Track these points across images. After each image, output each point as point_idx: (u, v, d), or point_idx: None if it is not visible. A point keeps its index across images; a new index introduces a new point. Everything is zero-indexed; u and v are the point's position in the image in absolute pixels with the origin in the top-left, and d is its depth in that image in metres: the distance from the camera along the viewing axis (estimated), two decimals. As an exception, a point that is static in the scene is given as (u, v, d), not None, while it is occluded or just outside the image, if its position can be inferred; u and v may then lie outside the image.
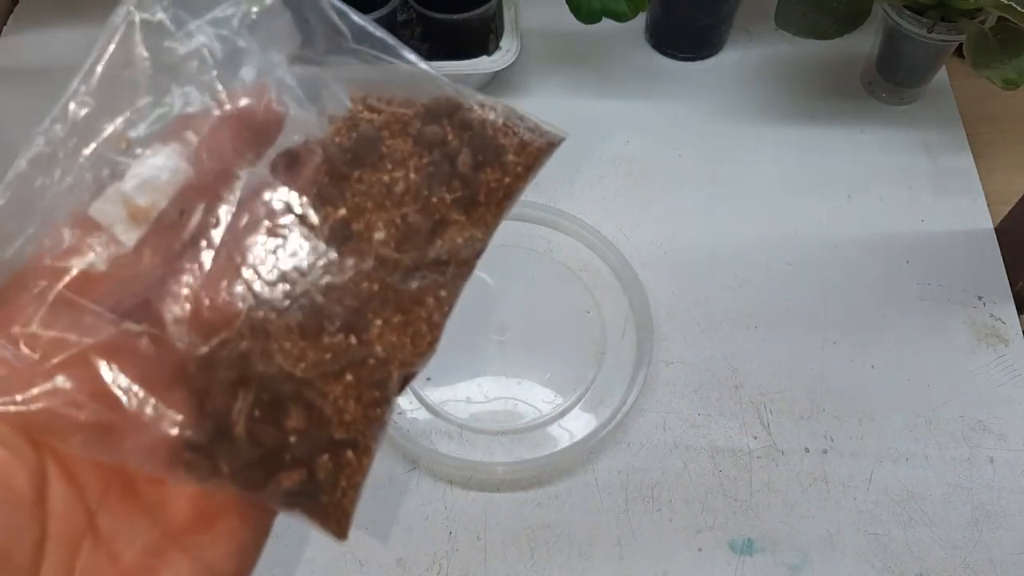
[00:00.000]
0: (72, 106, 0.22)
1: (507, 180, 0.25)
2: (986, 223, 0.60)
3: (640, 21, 0.69)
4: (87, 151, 0.22)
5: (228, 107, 0.22)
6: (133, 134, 0.22)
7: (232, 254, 0.22)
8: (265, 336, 0.22)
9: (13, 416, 0.20)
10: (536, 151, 0.26)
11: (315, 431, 0.22)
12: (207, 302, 0.22)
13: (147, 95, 0.22)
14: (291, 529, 0.47)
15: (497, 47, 0.63)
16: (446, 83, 0.25)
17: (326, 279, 0.22)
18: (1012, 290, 0.56)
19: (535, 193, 0.61)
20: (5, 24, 0.71)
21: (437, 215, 0.24)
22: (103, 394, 0.21)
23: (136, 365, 0.21)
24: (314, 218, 0.23)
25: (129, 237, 0.21)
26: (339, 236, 0.23)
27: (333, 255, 0.23)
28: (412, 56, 0.24)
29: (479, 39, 0.66)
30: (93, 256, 0.21)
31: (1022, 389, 0.53)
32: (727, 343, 0.54)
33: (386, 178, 0.24)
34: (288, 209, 0.23)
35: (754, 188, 0.61)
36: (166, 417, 0.21)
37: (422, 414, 0.51)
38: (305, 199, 0.23)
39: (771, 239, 0.59)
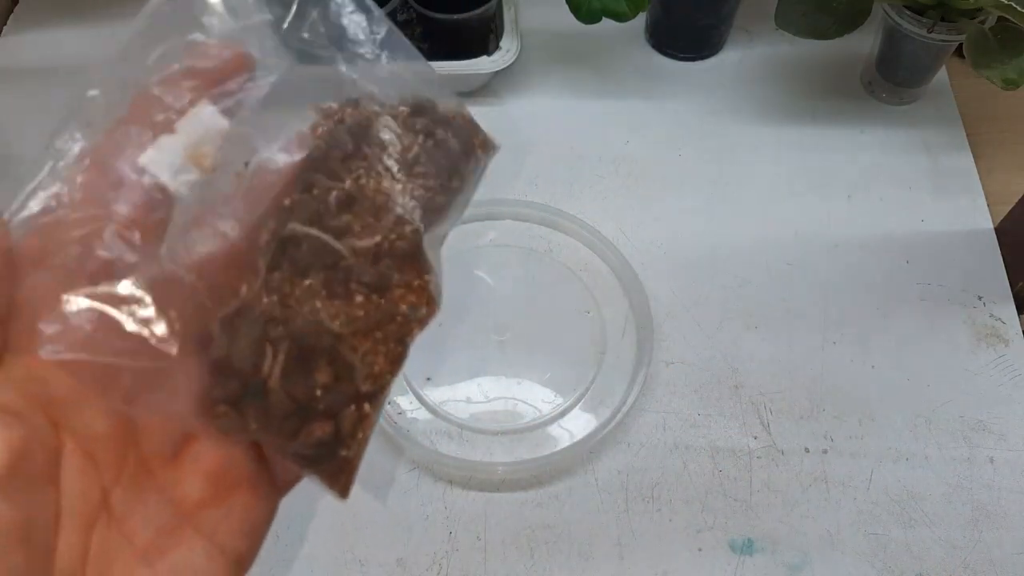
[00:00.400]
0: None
1: (476, 172, 0.27)
2: (986, 223, 0.60)
3: (640, 21, 0.69)
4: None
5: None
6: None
7: (260, 214, 0.23)
8: (302, 294, 0.23)
9: (69, 363, 0.21)
10: (489, 150, 0.28)
11: (345, 385, 0.23)
12: (238, 256, 0.22)
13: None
14: (291, 528, 0.47)
15: (497, 47, 0.63)
16: (431, 84, 0.26)
17: (354, 242, 0.23)
18: (1012, 290, 0.56)
19: (535, 193, 0.61)
20: (5, 24, 0.71)
21: (442, 190, 0.25)
22: (148, 339, 0.21)
23: (181, 311, 0.22)
24: (338, 183, 0.24)
25: (179, 185, 0.22)
26: (357, 204, 0.24)
27: (359, 220, 0.24)
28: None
29: (479, 39, 0.66)
30: (143, 201, 0.22)
31: (1022, 389, 0.53)
32: (727, 343, 0.54)
33: (394, 154, 0.25)
34: (317, 174, 0.24)
35: (754, 188, 0.62)
36: (203, 368, 0.22)
37: (422, 414, 0.51)
38: (325, 167, 0.24)
39: (771, 239, 0.59)
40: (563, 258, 0.57)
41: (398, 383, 0.51)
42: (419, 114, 0.26)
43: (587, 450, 0.49)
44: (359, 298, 0.23)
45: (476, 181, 0.28)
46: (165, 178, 0.22)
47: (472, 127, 0.27)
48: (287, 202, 0.24)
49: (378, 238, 0.24)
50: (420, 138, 0.25)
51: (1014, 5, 0.50)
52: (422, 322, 0.24)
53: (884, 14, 0.61)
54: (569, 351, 0.53)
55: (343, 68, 0.25)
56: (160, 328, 0.21)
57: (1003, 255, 0.58)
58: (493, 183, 0.61)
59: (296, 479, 0.25)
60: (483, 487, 0.49)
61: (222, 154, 0.23)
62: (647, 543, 0.47)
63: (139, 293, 0.21)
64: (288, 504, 0.25)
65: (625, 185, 0.62)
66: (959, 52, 0.61)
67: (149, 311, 0.21)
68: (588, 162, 0.63)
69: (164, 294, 0.21)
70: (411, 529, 0.48)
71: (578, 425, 0.50)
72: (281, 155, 0.24)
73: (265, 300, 0.23)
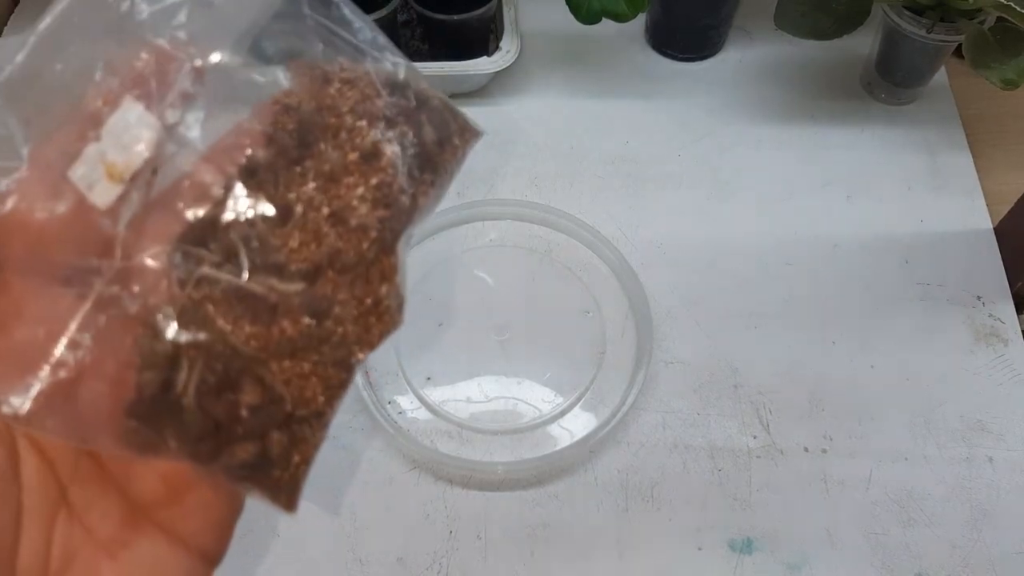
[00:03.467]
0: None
1: (452, 163, 0.25)
2: (985, 223, 0.60)
3: (640, 22, 0.69)
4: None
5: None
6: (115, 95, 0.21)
7: (173, 222, 0.21)
8: (213, 310, 0.21)
9: None
10: (470, 138, 0.25)
11: (269, 407, 0.22)
12: (150, 265, 0.21)
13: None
14: (292, 528, 0.47)
15: (497, 47, 0.63)
16: (392, 60, 0.24)
17: (277, 257, 0.22)
18: (1011, 290, 0.57)
19: (535, 193, 0.61)
20: (5, 25, 0.71)
21: (410, 188, 0.23)
22: (67, 352, 0.21)
23: (103, 330, 0.21)
24: (271, 192, 0.22)
25: (104, 199, 0.21)
26: (295, 219, 0.22)
27: (296, 238, 0.22)
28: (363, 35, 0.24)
29: (479, 39, 0.66)
30: (64, 213, 0.21)
31: (1021, 389, 0.53)
32: (727, 343, 0.54)
33: (358, 144, 0.23)
34: (236, 180, 0.22)
35: (754, 188, 0.62)
36: (119, 383, 0.21)
37: (422, 414, 0.51)
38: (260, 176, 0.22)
39: (770, 239, 0.59)
40: (563, 258, 0.57)
41: (398, 383, 0.52)
42: (392, 91, 0.24)
43: (587, 450, 0.49)
44: (284, 322, 0.22)
45: (452, 173, 0.25)
46: (91, 194, 0.21)
47: (450, 111, 0.25)
48: (194, 217, 0.21)
49: (319, 258, 0.22)
50: (389, 122, 0.23)
51: (1013, 5, 0.50)
52: (372, 343, 0.23)
53: (883, 14, 0.61)
54: (569, 351, 0.53)
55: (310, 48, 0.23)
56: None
57: (1002, 255, 0.58)
58: (493, 183, 0.61)
59: None
60: (483, 486, 0.49)
61: (143, 161, 0.21)
62: (646, 542, 0.48)
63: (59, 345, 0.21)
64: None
65: (625, 185, 0.62)
66: (958, 52, 0.61)
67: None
68: (588, 162, 0.63)
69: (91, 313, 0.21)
70: (411, 528, 0.48)
71: (578, 425, 0.50)
72: (202, 160, 0.22)
73: (187, 315, 0.21)
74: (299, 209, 0.22)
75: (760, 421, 0.51)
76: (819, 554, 0.47)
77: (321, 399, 0.22)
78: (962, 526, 0.48)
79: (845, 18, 0.59)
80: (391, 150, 0.23)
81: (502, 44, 0.63)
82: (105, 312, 0.21)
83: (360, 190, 0.22)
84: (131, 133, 0.21)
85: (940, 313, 0.56)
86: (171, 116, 0.22)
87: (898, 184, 0.62)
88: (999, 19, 0.55)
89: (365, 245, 0.22)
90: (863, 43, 0.65)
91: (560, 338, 0.54)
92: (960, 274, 0.57)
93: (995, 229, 0.59)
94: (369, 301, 0.22)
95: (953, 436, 0.51)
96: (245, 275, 0.21)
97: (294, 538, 0.47)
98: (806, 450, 0.50)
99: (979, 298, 0.56)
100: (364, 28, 0.24)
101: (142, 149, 0.21)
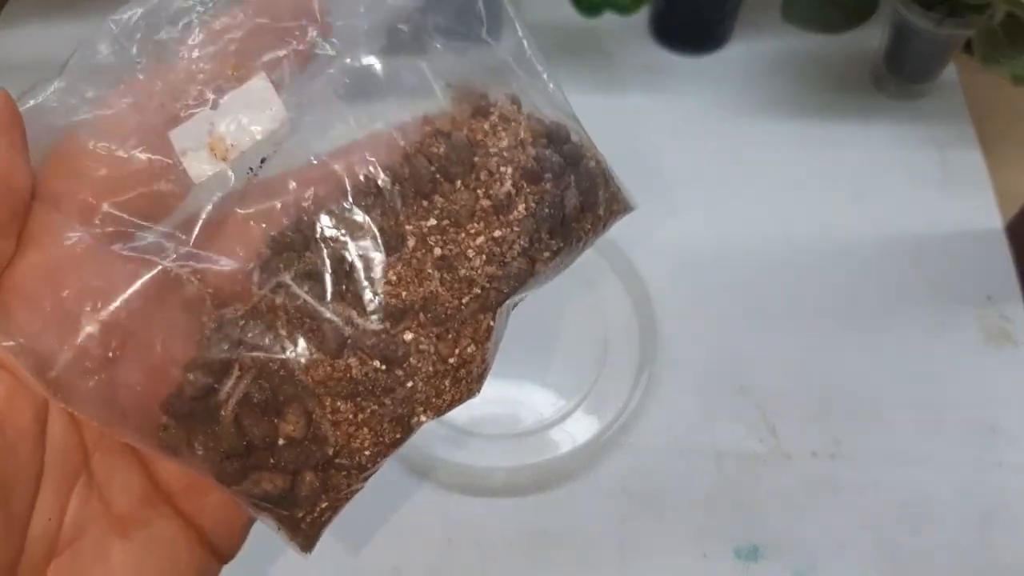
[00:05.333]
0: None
1: (590, 234, 0.22)
2: (996, 221, 0.59)
3: (643, 14, 0.68)
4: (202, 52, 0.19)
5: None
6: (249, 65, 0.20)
7: (267, 218, 0.20)
8: (282, 324, 0.19)
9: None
10: (618, 210, 0.23)
11: (309, 444, 0.20)
12: (230, 256, 0.20)
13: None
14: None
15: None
16: (562, 103, 0.22)
17: (368, 288, 0.20)
18: (1022, 290, 0.56)
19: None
20: (-3, 17, 0.70)
21: (531, 251, 0.21)
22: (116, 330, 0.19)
23: (158, 309, 0.20)
24: (390, 223, 0.20)
25: (197, 171, 0.19)
26: (404, 253, 0.20)
27: (399, 273, 0.20)
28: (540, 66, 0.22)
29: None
30: (151, 179, 0.19)
31: (1033, 391, 0.52)
32: (732, 344, 0.53)
33: (494, 192, 0.21)
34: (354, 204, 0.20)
35: (760, 184, 0.61)
36: (160, 372, 0.19)
37: (421, 417, 0.50)
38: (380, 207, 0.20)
39: (777, 237, 0.58)
40: (564, 257, 0.56)
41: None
42: (548, 143, 0.21)
43: (589, 454, 0.49)
44: (352, 359, 0.20)
45: (586, 244, 0.23)
46: (184, 161, 0.19)
47: (604, 176, 0.23)
48: (292, 219, 0.19)
49: (413, 300, 0.20)
50: (532, 176, 0.21)
51: (1022, 0, 0.49)
52: (439, 408, 0.20)
53: (892, 8, 0.60)
54: (571, 353, 0.52)
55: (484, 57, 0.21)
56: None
57: (1013, 254, 0.57)
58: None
59: None
60: (482, 492, 0.48)
61: (254, 145, 0.19)
62: (650, 549, 0.47)
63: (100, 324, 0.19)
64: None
65: (627, 182, 0.61)
66: (968, 48, 0.60)
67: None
68: (590, 159, 0.62)
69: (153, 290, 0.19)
70: (408, 535, 0.47)
71: (580, 428, 0.50)
72: (320, 162, 0.20)
73: (243, 313, 0.20)
74: (411, 243, 0.20)
75: (766, 424, 0.50)
76: (827, 561, 0.46)
77: (367, 453, 0.20)
78: (972, 530, 0.47)
79: (853, 12, 0.58)
80: (525, 207, 0.21)
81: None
82: (165, 290, 0.19)
83: (480, 240, 0.20)
84: (251, 113, 0.19)
85: (949, 313, 0.55)
86: (298, 105, 0.20)
87: (907, 181, 0.61)
88: (1009, 14, 0.54)
89: (465, 300, 0.20)
90: (871, 37, 0.64)
91: (561, 340, 0.53)
92: (970, 273, 0.56)
93: (1006, 227, 0.58)
94: (452, 361, 0.21)
95: (963, 439, 0.50)
96: (327, 297, 0.19)
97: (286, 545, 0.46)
98: (814, 454, 0.50)
99: (989, 298, 0.55)
100: (545, 74, 0.22)
101: (257, 133, 0.19)
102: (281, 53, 0.20)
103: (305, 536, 0.21)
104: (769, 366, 0.53)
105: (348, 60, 0.20)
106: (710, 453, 0.49)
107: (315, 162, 0.20)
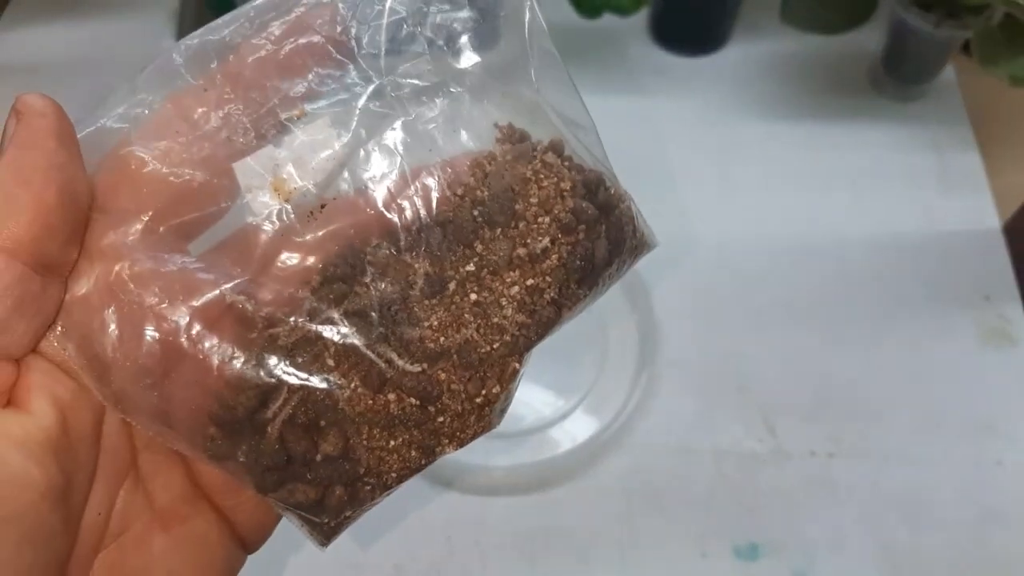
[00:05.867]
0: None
1: (614, 279, 0.24)
2: (994, 222, 0.59)
3: (643, 16, 0.68)
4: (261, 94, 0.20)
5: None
6: (309, 106, 0.21)
7: (321, 252, 0.21)
8: (329, 355, 0.21)
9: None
10: (641, 251, 0.24)
11: (343, 463, 0.21)
12: (274, 295, 0.21)
13: (336, 70, 0.21)
14: (287, 533, 0.46)
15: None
16: (598, 164, 0.22)
17: (411, 331, 0.21)
18: (1020, 290, 0.56)
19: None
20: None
21: (560, 300, 0.22)
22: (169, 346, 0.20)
23: (217, 326, 0.21)
24: (427, 267, 0.21)
25: (258, 208, 0.20)
26: (444, 299, 0.21)
27: (439, 317, 0.21)
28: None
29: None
30: (209, 202, 0.20)
31: (1031, 391, 0.52)
32: (731, 344, 0.53)
33: (530, 240, 0.21)
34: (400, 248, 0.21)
35: (758, 185, 0.61)
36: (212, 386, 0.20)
37: (421, 416, 0.50)
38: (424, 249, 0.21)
39: (775, 237, 0.58)
40: (564, 257, 0.57)
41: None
42: (585, 193, 0.22)
43: (589, 453, 0.49)
44: (391, 395, 0.21)
45: (609, 286, 0.24)
46: (247, 196, 0.20)
47: (632, 222, 0.24)
48: (344, 257, 0.20)
49: (450, 344, 0.21)
50: (567, 229, 0.21)
51: (1020, 1, 0.49)
52: (462, 440, 0.22)
53: (890, 10, 0.60)
54: (570, 353, 0.52)
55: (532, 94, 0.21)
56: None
57: (1011, 254, 0.57)
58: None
59: None
60: (482, 491, 0.48)
61: (313, 190, 0.20)
62: (649, 548, 0.47)
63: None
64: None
65: (626, 182, 0.61)
66: (966, 49, 0.61)
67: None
68: (589, 159, 0.62)
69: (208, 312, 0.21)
70: (408, 534, 0.47)
71: (579, 428, 0.50)
72: (375, 202, 0.20)
73: (293, 342, 0.21)
74: (451, 287, 0.21)
75: (765, 423, 0.51)
76: (826, 560, 0.46)
77: (393, 475, 0.22)
78: (971, 529, 0.47)
79: (852, 13, 0.58)
80: (558, 258, 0.22)
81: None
82: (221, 311, 0.20)
83: (515, 289, 0.21)
84: (318, 158, 0.20)
85: (948, 313, 0.55)
86: (355, 143, 0.21)
87: (905, 182, 0.61)
88: (1007, 15, 0.54)
89: (496, 345, 0.21)
90: (870, 39, 0.64)
91: (561, 339, 0.53)
92: (968, 273, 0.57)
93: (1004, 228, 0.59)
94: (479, 400, 0.22)
95: (961, 438, 0.50)
96: (373, 337, 0.20)
97: (290, 543, 0.46)
98: (812, 453, 0.50)
99: (987, 298, 0.55)
100: (591, 128, 0.23)
101: (321, 178, 0.20)
102: (343, 96, 0.21)
103: (325, 536, 0.23)
104: (768, 366, 0.53)
105: (407, 109, 0.21)
106: (709, 452, 0.50)
107: (368, 197, 0.21)
